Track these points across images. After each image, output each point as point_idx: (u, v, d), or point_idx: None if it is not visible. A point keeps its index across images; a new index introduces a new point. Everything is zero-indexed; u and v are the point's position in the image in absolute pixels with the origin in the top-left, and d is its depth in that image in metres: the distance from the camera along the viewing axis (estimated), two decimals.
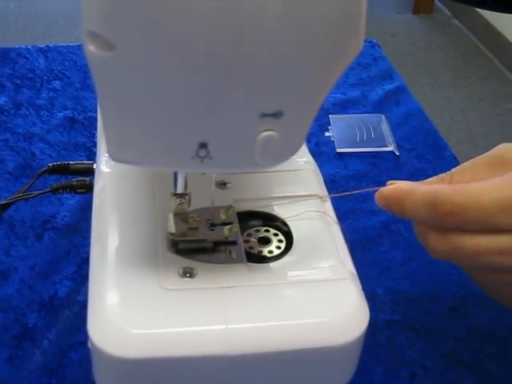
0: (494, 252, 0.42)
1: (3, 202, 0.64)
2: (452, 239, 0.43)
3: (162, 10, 0.33)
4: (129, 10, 0.33)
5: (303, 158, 0.56)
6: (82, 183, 0.64)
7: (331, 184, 0.72)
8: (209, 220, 0.48)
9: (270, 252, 0.48)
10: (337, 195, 0.54)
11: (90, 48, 0.35)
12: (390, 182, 0.46)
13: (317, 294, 0.44)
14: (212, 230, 0.47)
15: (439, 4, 3.22)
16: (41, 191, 0.65)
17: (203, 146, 0.38)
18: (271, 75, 0.36)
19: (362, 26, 0.38)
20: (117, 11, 0.33)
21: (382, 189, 0.46)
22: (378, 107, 0.86)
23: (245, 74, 0.35)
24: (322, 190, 0.53)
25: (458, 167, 0.47)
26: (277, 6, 0.33)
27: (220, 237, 0.47)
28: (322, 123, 0.82)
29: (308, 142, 0.75)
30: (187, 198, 0.46)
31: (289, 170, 0.53)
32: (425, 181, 0.47)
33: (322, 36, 0.36)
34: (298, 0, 0.34)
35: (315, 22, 0.35)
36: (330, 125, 0.81)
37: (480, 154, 0.49)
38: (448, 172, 0.46)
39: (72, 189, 0.64)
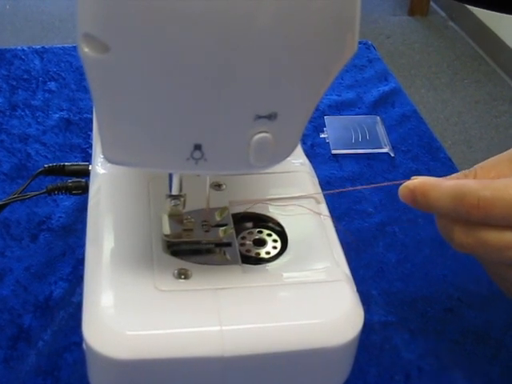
0: None
1: None
2: (477, 233, 0.43)
3: (156, 13, 0.33)
4: (124, 12, 0.33)
5: (298, 159, 0.56)
6: (78, 184, 0.64)
7: (326, 185, 0.72)
8: (204, 221, 0.48)
9: (266, 253, 0.48)
10: (346, 190, 0.54)
11: (85, 50, 0.35)
12: (414, 177, 0.47)
13: (311, 296, 0.44)
14: (207, 231, 0.47)
15: (435, 6, 3.23)
16: (36, 192, 0.65)
17: (198, 147, 0.38)
18: (265, 77, 0.36)
19: (357, 28, 0.38)
20: (112, 13, 0.33)
21: (407, 182, 0.46)
22: (373, 109, 0.86)
23: (239, 76, 0.35)
24: (317, 192, 0.53)
25: (481, 164, 0.47)
26: (270, 8, 0.33)
27: (215, 238, 0.47)
28: (317, 125, 0.82)
29: (303, 143, 0.75)
30: (182, 199, 0.46)
31: (284, 172, 0.53)
32: (448, 177, 0.47)
33: (315, 38, 0.36)
34: (291, 2, 0.34)
35: (309, 24, 0.35)
36: (325, 126, 0.81)
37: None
38: (471, 168, 0.46)
39: (67, 190, 0.64)
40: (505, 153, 0.47)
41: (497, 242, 0.43)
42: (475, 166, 0.47)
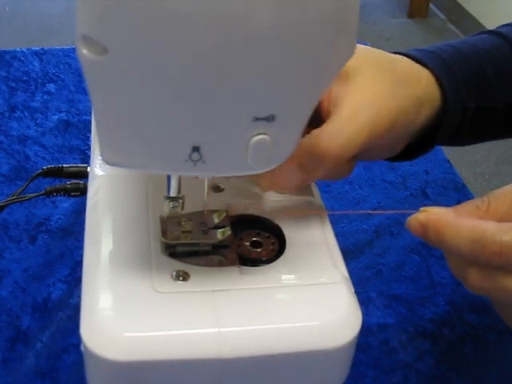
0: None
1: None
2: (494, 278, 0.42)
3: (154, 15, 0.33)
4: (122, 14, 0.33)
5: None
6: (76, 186, 0.64)
7: (324, 187, 0.72)
8: (202, 223, 0.48)
9: (265, 255, 0.48)
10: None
11: (84, 52, 0.35)
12: (423, 208, 0.45)
13: (309, 298, 0.44)
14: (205, 233, 0.47)
15: (434, 8, 3.23)
16: (35, 194, 0.65)
17: (196, 149, 0.38)
18: (263, 79, 0.36)
19: (355, 30, 0.39)
20: (110, 15, 0.33)
21: (417, 214, 0.45)
22: None
23: (237, 78, 0.35)
24: (315, 194, 0.53)
25: (494, 193, 0.45)
26: (266, 9, 0.33)
27: (213, 240, 0.47)
28: None
29: None
30: (181, 201, 0.46)
31: None
32: (458, 206, 0.45)
33: (314, 40, 0.36)
34: (288, 4, 0.34)
35: (306, 25, 0.35)
36: None
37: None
38: (484, 198, 0.44)
39: (66, 192, 0.64)
40: None
41: None
42: (488, 195, 0.44)
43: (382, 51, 0.52)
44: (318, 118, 0.49)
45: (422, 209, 0.45)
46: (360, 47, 0.49)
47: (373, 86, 0.48)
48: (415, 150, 0.56)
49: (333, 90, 0.48)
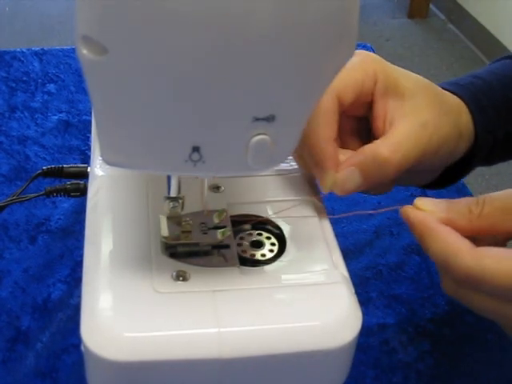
0: (504, 317, 0.43)
1: None
2: (464, 293, 0.44)
3: (154, 15, 0.33)
4: (122, 14, 0.33)
5: None
6: (76, 186, 0.64)
7: None
8: (202, 224, 0.48)
9: (263, 255, 0.48)
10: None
11: (84, 52, 0.35)
12: (418, 199, 0.46)
13: (309, 298, 0.44)
14: (205, 233, 0.47)
15: (434, 8, 3.23)
16: (35, 194, 0.65)
17: (196, 149, 0.38)
18: (263, 80, 0.36)
19: (355, 31, 0.39)
20: (110, 15, 0.33)
21: (407, 208, 0.46)
22: None
23: (237, 79, 0.35)
24: (316, 194, 0.53)
25: (491, 197, 0.45)
26: (266, 9, 0.33)
27: (213, 240, 0.47)
28: None
29: None
30: (180, 201, 0.46)
31: (282, 174, 0.53)
32: (452, 202, 0.46)
33: (312, 40, 0.36)
34: (288, 4, 0.34)
35: (306, 26, 0.35)
36: None
37: None
38: (480, 200, 0.45)
39: (66, 192, 0.64)
40: None
41: (483, 308, 0.44)
42: (484, 198, 0.45)
43: (432, 83, 0.56)
44: (370, 136, 0.53)
45: (417, 199, 0.46)
46: (417, 77, 0.55)
47: (426, 111, 0.52)
48: (446, 179, 0.60)
49: (388, 110, 0.52)
